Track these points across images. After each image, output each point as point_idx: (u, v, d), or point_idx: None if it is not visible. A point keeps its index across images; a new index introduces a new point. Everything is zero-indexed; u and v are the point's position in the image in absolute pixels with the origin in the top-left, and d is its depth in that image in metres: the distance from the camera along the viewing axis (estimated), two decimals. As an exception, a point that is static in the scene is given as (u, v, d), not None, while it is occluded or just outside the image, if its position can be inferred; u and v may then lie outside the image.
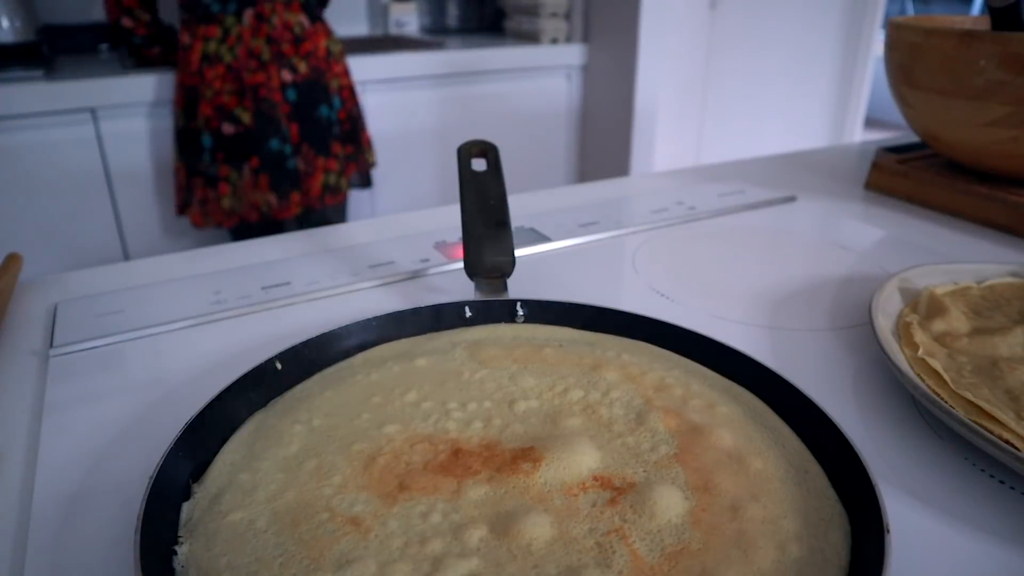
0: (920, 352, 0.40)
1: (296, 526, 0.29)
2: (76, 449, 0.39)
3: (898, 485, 0.36)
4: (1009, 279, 0.53)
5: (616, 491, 0.31)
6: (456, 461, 0.33)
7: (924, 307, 0.47)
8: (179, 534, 0.30)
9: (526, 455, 0.33)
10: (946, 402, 0.38)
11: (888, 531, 0.27)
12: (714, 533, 0.29)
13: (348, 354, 0.44)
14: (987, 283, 0.53)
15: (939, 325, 0.45)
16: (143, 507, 0.29)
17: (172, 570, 0.28)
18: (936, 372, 0.39)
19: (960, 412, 0.37)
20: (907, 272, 0.53)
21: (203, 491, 0.32)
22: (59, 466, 0.37)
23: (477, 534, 0.29)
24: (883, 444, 0.39)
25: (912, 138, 0.90)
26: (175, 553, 0.29)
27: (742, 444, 0.34)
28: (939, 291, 0.50)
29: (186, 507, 0.31)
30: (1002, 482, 0.36)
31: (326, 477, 0.32)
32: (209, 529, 0.30)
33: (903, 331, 0.44)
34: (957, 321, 0.45)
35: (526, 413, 0.37)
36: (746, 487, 0.31)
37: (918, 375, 0.40)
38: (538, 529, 0.29)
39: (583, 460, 0.32)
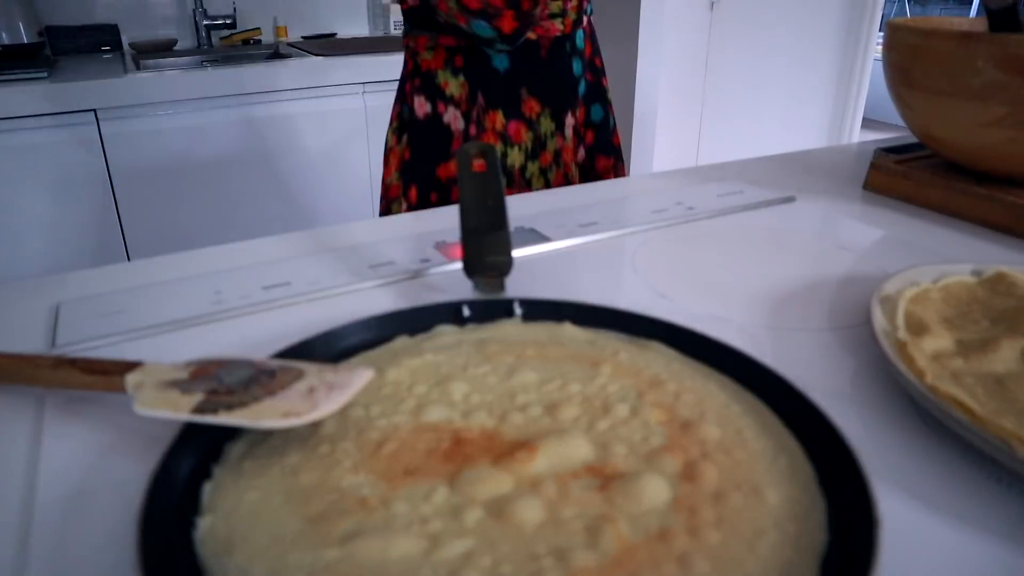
0: (929, 379, 0.40)
1: (307, 505, 0.31)
2: (78, 449, 0.39)
3: (897, 485, 0.36)
4: (966, 278, 0.53)
5: (606, 479, 0.33)
6: (458, 449, 0.35)
7: (903, 322, 0.47)
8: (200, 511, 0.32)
9: (523, 446, 0.34)
10: (945, 402, 0.38)
11: (879, 524, 0.28)
12: (695, 517, 0.31)
13: (348, 353, 0.44)
14: (941, 283, 0.52)
15: (929, 344, 0.44)
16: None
17: (191, 541, 0.30)
18: (953, 395, 0.39)
19: (959, 412, 0.37)
20: (907, 272, 0.53)
21: (222, 471, 0.34)
22: (61, 466, 0.38)
23: (474, 515, 0.30)
24: (883, 444, 0.40)
25: (910, 139, 0.90)
26: (193, 525, 0.31)
27: (730, 438, 0.36)
28: (908, 294, 0.49)
29: (208, 486, 0.33)
30: (1000, 481, 0.37)
31: (337, 462, 0.34)
32: (228, 504, 0.32)
33: (900, 348, 0.44)
34: (941, 338, 0.45)
35: (526, 404, 0.39)
36: (730, 478, 0.33)
37: (917, 375, 0.40)
38: (530, 512, 0.30)
39: (576, 452, 0.34)
